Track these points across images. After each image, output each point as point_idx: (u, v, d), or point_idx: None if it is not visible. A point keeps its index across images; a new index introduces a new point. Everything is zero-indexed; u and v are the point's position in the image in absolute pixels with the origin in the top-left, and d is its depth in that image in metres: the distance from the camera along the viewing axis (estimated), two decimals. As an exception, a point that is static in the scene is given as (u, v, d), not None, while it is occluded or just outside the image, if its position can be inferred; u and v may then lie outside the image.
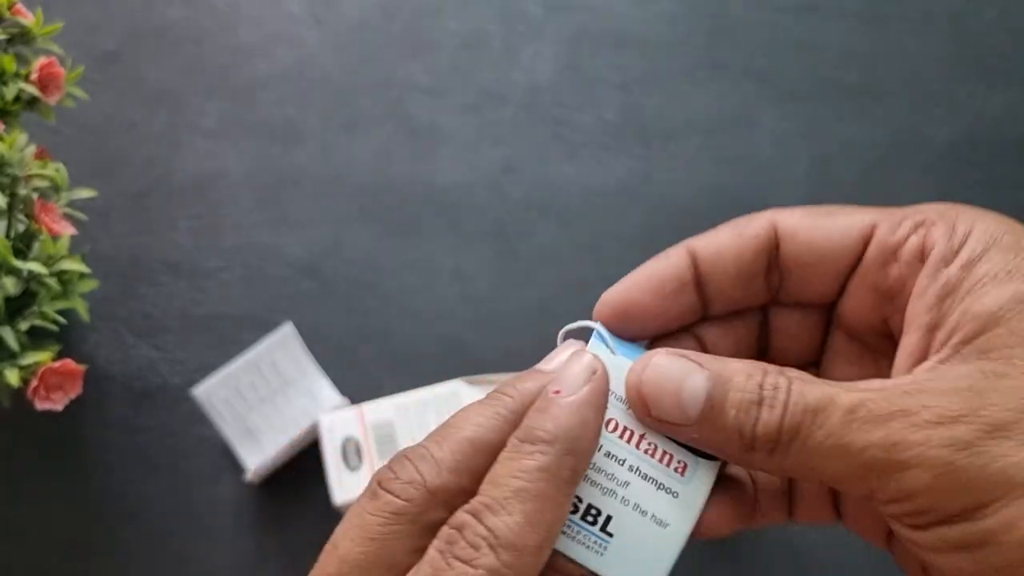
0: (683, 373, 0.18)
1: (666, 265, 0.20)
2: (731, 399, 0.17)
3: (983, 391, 0.15)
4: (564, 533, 0.18)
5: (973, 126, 0.53)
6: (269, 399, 0.43)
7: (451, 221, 0.50)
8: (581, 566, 0.18)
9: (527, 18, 0.56)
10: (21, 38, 0.42)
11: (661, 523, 0.19)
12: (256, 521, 0.43)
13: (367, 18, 0.56)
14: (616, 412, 0.19)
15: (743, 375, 0.17)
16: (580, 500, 0.19)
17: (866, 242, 0.19)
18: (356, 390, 0.45)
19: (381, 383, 0.46)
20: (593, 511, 0.19)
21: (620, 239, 0.50)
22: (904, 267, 0.18)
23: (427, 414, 0.40)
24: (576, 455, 0.17)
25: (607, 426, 0.19)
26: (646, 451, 0.19)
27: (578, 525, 0.19)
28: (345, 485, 0.39)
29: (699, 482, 0.19)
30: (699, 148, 0.52)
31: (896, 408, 0.16)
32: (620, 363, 0.20)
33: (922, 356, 0.17)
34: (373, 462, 0.39)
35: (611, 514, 0.19)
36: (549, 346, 0.51)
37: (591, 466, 0.19)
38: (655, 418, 0.18)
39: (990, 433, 0.15)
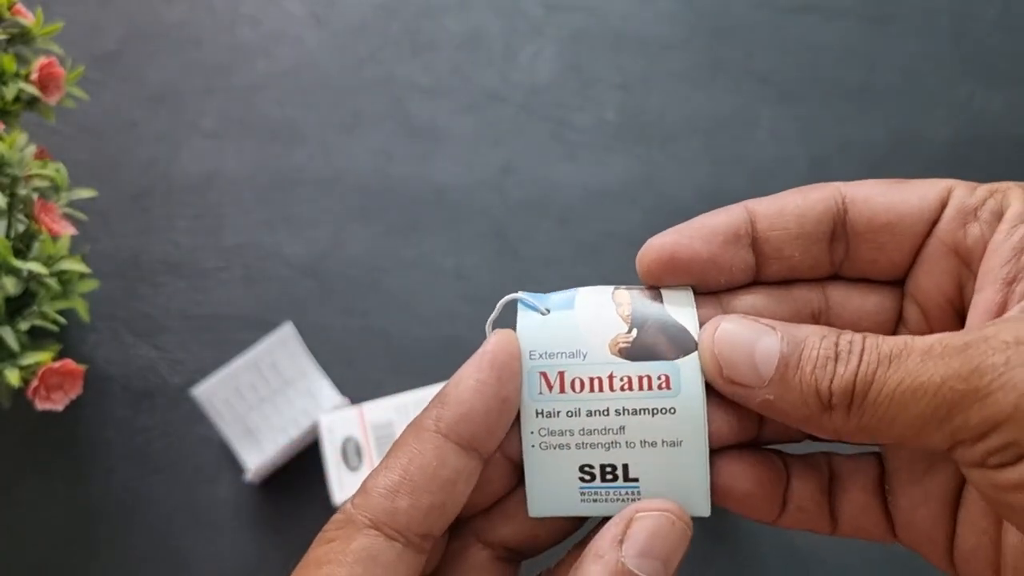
0: (756, 334, 0.17)
1: (723, 218, 0.19)
2: (806, 356, 0.17)
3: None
4: (595, 501, 0.18)
5: (973, 126, 0.53)
6: (269, 399, 0.43)
7: (451, 221, 0.50)
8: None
9: (527, 18, 0.56)
10: (21, 38, 0.42)
11: (675, 444, 0.18)
12: (256, 521, 0.43)
13: (367, 18, 0.56)
14: (574, 368, 0.19)
15: (818, 336, 0.17)
16: (591, 466, 0.18)
17: (943, 205, 0.18)
18: (356, 390, 0.45)
19: (381, 383, 0.46)
20: (608, 468, 0.18)
21: (620, 239, 0.50)
22: (984, 226, 0.17)
23: (427, 414, 0.40)
24: (445, 406, 0.17)
25: (572, 387, 0.18)
26: (622, 388, 0.18)
27: (603, 488, 0.18)
28: (345, 485, 0.39)
29: (689, 383, 0.18)
30: (699, 148, 0.52)
31: (974, 337, 0.15)
32: (560, 318, 0.19)
33: (999, 312, 0.16)
34: (373, 462, 0.39)
35: (625, 462, 0.18)
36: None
37: (581, 431, 0.18)
38: (727, 379, 0.17)
39: None
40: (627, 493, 0.18)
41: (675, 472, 0.18)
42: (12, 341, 0.36)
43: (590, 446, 0.18)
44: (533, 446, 0.18)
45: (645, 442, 0.18)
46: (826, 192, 0.19)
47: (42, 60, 0.41)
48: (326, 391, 0.44)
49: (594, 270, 0.49)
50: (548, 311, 0.20)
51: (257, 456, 0.42)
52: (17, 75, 0.40)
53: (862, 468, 0.19)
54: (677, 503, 0.17)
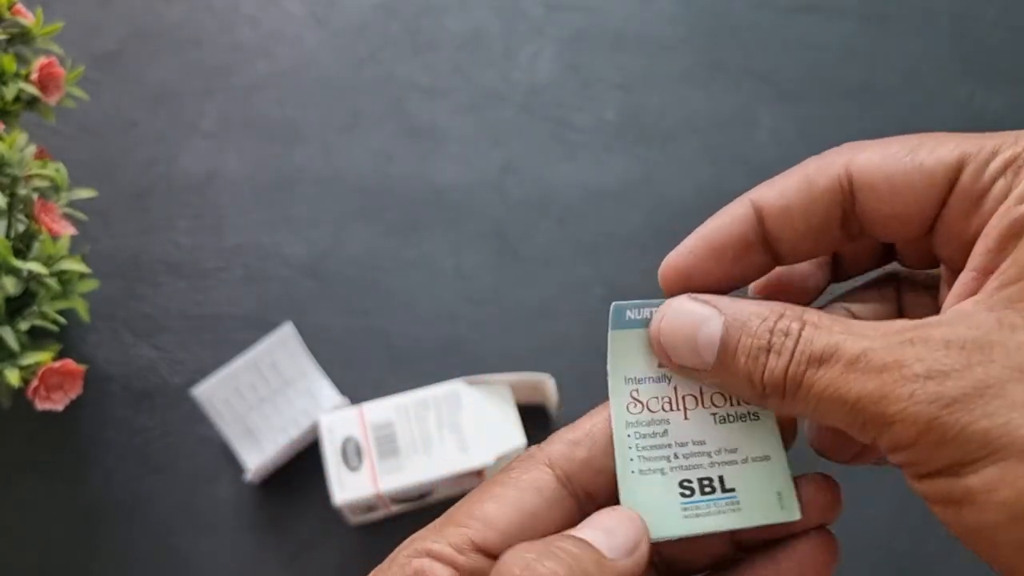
0: (700, 319, 0.18)
1: (729, 226, 0.19)
2: (742, 345, 0.17)
3: (988, 345, 0.15)
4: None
5: (973, 126, 0.53)
6: (269, 399, 0.43)
7: (451, 221, 0.50)
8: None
9: (527, 18, 0.56)
10: (21, 38, 0.42)
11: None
12: (256, 521, 0.43)
13: (367, 18, 0.56)
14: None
15: (757, 319, 0.17)
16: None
17: (952, 185, 0.17)
18: (356, 390, 0.45)
19: (381, 383, 0.46)
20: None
21: (620, 239, 0.50)
22: (987, 215, 0.17)
23: (427, 414, 0.40)
24: None
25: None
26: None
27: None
28: (345, 485, 0.39)
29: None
30: (699, 148, 0.52)
31: (892, 359, 0.15)
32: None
33: (969, 297, 0.16)
34: (373, 462, 0.39)
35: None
36: (549, 346, 0.51)
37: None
38: (676, 365, 0.18)
39: (980, 392, 0.14)
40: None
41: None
42: (12, 341, 0.36)
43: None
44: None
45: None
46: (832, 177, 0.18)
47: (42, 60, 0.41)
48: (326, 391, 0.44)
49: (594, 270, 0.49)
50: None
51: (257, 456, 0.42)
52: (17, 75, 0.40)
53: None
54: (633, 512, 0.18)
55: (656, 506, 0.18)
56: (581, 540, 0.17)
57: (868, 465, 0.20)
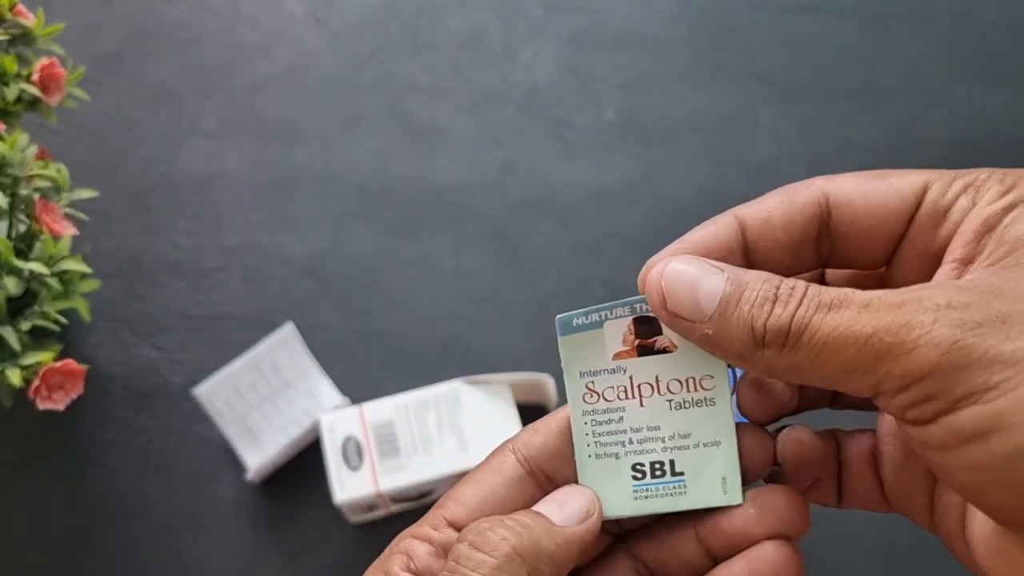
0: (702, 272, 0.18)
1: (714, 233, 0.20)
2: (746, 296, 0.17)
3: (998, 289, 0.15)
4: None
5: (973, 126, 0.53)
6: (270, 399, 0.44)
7: (451, 221, 0.50)
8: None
9: (527, 18, 0.56)
10: (22, 39, 0.42)
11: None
12: (256, 521, 0.43)
13: (367, 18, 0.56)
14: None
15: (760, 279, 0.18)
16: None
17: (918, 204, 0.19)
18: (356, 390, 0.45)
19: (381, 383, 0.46)
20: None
21: (620, 239, 0.50)
22: (953, 226, 0.18)
23: (427, 414, 0.41)
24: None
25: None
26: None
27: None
28: (346, 484, 0.39)
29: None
30: (698, 148, 0.52)
31: (909, 296, 0.16)
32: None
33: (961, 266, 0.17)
34: (373, 461, 0.40)
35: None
36: (548, 346, 0.51)
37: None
38: (670, 312, 0.19)
39: (1002, 319, 0.15)
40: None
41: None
42: (13, 341, 0.36)
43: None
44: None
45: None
46: (810, 194, 0.19)
47: (43, 61, 0.41)
48: (326, 391, 0.44)
49: (594, 270, 0.49)
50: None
51: (258, 456, 0.42)
52: (18, 76, 0.40)
53: (860, 440, 0.20)
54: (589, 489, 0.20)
55: (610, 488, 0.20)
56: (534, 512, 0.19)
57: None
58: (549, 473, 0.20)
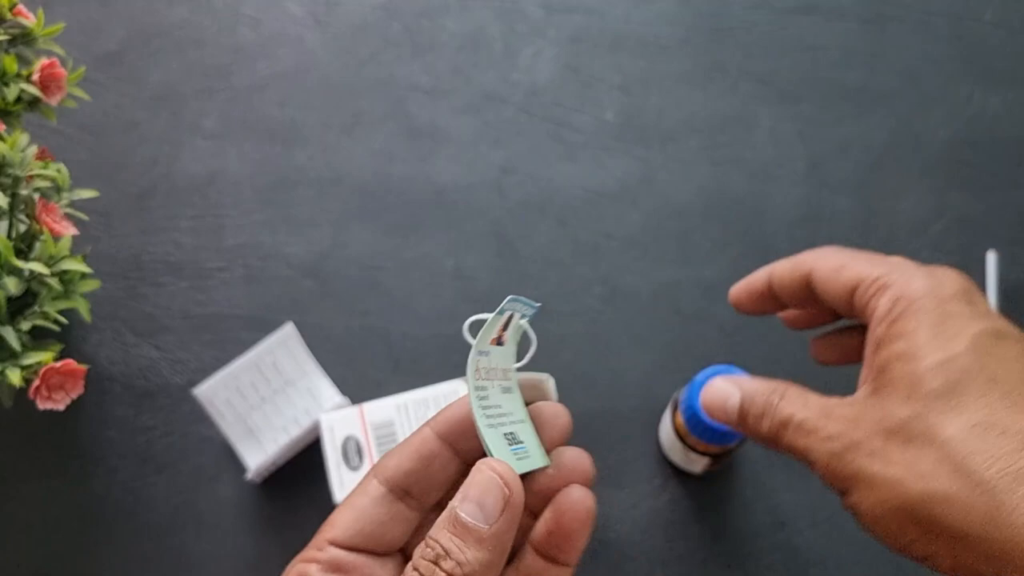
0: (727, 394, 0.29)
1: (754, 281, 0.31)
2: (751, 412, 0.28)
3: (857, 419, 0.25)
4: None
5: (971, 127, 0.53)
6: (270, 399, 0.44)
7: (451, 221, 0.50)
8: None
9: (527, 19, 0.56)
10: (23, 39, 0.42)
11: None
12: (256, 520, 0.43)
13: (367, 19, 0.56)
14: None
15: (761, 395, 0.28)
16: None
17: (852, 295, 0.28)
18: (356, 389, 0.45)
19: (381, 382, 0.46)
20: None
21: (619, 239, 0.50)
22: (865, 319, 0.27)
23: (427, 413, 0.41)
24: (437, 416, 0.25)
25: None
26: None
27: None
28: (346, 484, 0.39)
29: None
30: (698, 148, 0.53)
31: (812, 428, 0.26)
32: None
33: (867, 386, 0.26)
34: (373, 461, 0.40)
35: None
36: (548, 346, 0.51)
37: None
38: (716, 419, 0.30)
39: (850, 448, 0.25)
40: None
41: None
42: (14, 341, 0.36)
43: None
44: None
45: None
46: (802, 273, 0.29)
47: (44, 61, 0.41)
48: (327, 391, 0.44)
49: (593, 270, 0.49)
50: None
51: (258, 455, 0.42)
52: (19, 76, 0.40)
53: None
54: (503, 461, 0.22)
55: (504, 453, 0.23)
56: (459, 523, 0.22)
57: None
58: (406, 488, 0.24)
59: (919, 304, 0.25)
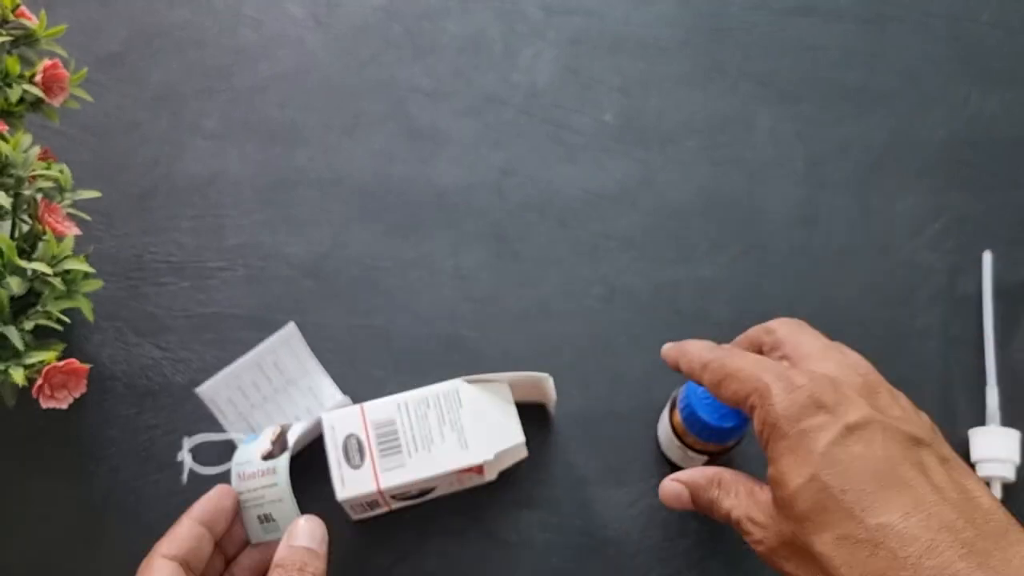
0: (676, 491, 0.36)
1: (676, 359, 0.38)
2: (703, 505, 0.35)
3: (768, 527, 0.31)
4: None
5: (969, 127, 0.54)
6: (272, 397, 0.44)
7: (451, 222, 0.51)
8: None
9: (527, 21, 0.57)
10: (25, 40, 0.42)
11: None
12: (258, 519, 0.44)
13: (368, 20, 0.57)
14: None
15: (702, 489, 0.34)
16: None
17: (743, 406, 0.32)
18: (357, 389, 0.45)
19: (382, 381, 0.46)
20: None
21: (619, 240, 0.50)
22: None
23: (428, 412, 0.41)
24: (193, 506, 0.39)
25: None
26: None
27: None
28: (347, 482, 0.39)
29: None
30: (697, 149, 0.53)
31: (746, 530, 0.32)
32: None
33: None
34: (374, 459, 0.40)
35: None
36: (547, 345, 0.51)
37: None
38: (673, 506, 0.36)
39: (774, 551, 0.31)
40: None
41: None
42: (17, 340, 0.36)
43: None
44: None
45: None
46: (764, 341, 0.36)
47: (46, 62, 0.41)
48: (328, 389, 0.45)
49: (593, 270, 0.49)
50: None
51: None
52: (21, 77, 0.41)
53: None
54: (311, 517, 0.38)
55: (256, 528, 0.40)
56: (310, 551, 0.36)
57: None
58: (188, 559, 0.35)
59: (776, 430, 0.29)
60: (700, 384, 0.34)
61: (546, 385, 0.43)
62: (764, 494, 0.31)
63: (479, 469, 0.40)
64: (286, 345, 0.44)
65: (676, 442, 0.41)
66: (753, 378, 0.30)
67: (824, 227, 0.51)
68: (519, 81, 0.55)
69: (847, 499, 0.26)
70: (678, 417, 0.40)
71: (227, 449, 0.44)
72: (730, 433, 0.38)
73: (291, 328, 0.44)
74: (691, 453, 0.41)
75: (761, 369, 0.31)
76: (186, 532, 0.36)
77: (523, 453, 0.42)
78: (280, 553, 0.35)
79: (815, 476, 0.27)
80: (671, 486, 0.35)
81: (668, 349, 0.37)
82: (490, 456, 0.40)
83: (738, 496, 0.32)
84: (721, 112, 0.54)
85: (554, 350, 0.47)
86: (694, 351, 0.35)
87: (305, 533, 0.36)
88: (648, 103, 0.54)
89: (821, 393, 0.29)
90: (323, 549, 0.36)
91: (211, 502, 0.37)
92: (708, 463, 0.42)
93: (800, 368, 0.31)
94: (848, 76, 0.55)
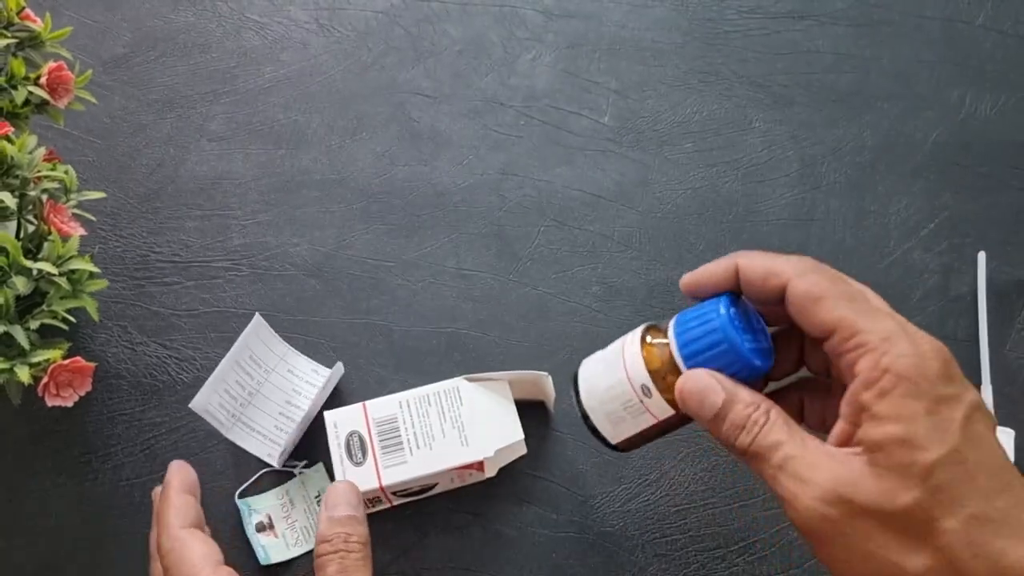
0: (709, 389, 0.29)
1: (715, 269, 0.32)
2: (729, 418, 0.29)
3: (853, 484, 0.26)
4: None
5: (963, 129, 0.54)
6: (257, 391, 0.44)
7: (452, 223, 0.51)
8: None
9: (526, 25, 0.57)
10: (30, 43, 0.42)
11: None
12: (261, 516, 0.44)
13: (371, 24, 0.57)
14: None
15: (743, 404, 0.29)
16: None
17: (827, 336, 0.28)
18: (360, 387, 0.46)
19: (384, 380, 0.47)
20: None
21: (617, 240, 0.51)
22: (843, 368, 0.28)
23: (429, 410, 0.41)
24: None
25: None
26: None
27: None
28: (349, 479, 0.40)
29: None
30: (693, 152, 0.54)
31: (803, 477, 0.27)
32: None
33: (844, 443, 0.27)
34: (376, 456, 0.40)
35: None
36: (546, 344, 0.52)
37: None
38: (684, 409, 0.30)
39: (845, 519, 0.26)
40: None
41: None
42: (23, 339, 0.37)
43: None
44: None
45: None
46: (777, 281, 0.29)
47: (51, 64, 0.41)
48: (306, 365, 0.45)
49: (591, 270, 0.50)
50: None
51: (269, 447, 0.43)
52: (27, 79, 0.41)
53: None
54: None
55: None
56: (352, 518, 0.36)
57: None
58: (198, 527, 0.37)
59: (911, 386, 0.26)
60: (763, 295, 0.29)
61: (545, 383, 0.43)
62: (831, 456, 0.27)
63: (479, 466, 0.41)
64: (256, 337, 0.44)
65: (640, 388, 0.32)
66: (867, 314, 0.27)
67: (819, 228, 0.51)
68: (518, 84, 0.55)
69: (981, 478, 0.25)
70: (656, 351, 0.32)
71: (232, 445, 0.45)
72: (755, 372, 0.30)
73: (257, 319, 0.44)
74: (660, 401, 0.32)
75: (876, 309, 0.27)
76: (183, 503, 0.36)
77: (522, 450, 0.42)
78: (323, 527, 0.35)
79: (957, 449, 0.25)
80: (707, 382, 0.29)
81: (710, 267, 0.31)
82: (490, 453, 0.40)
83: (794, 440, 0.27)
84: (717, 114, 0.55)
85: (553, 349, 0.48)
86: (763, 257, 0.30)
87: (343, 500, 0.36)
88: (645, 105, 0.55)
89: (951, 362, 0.26)
90: (361, 511, 0.36)
91: (184, 471, 0.38)
92: (656, 429, 0.33)
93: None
94: (842, 79, 0.56)
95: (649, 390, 0.31)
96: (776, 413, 0.28)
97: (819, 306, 0.28)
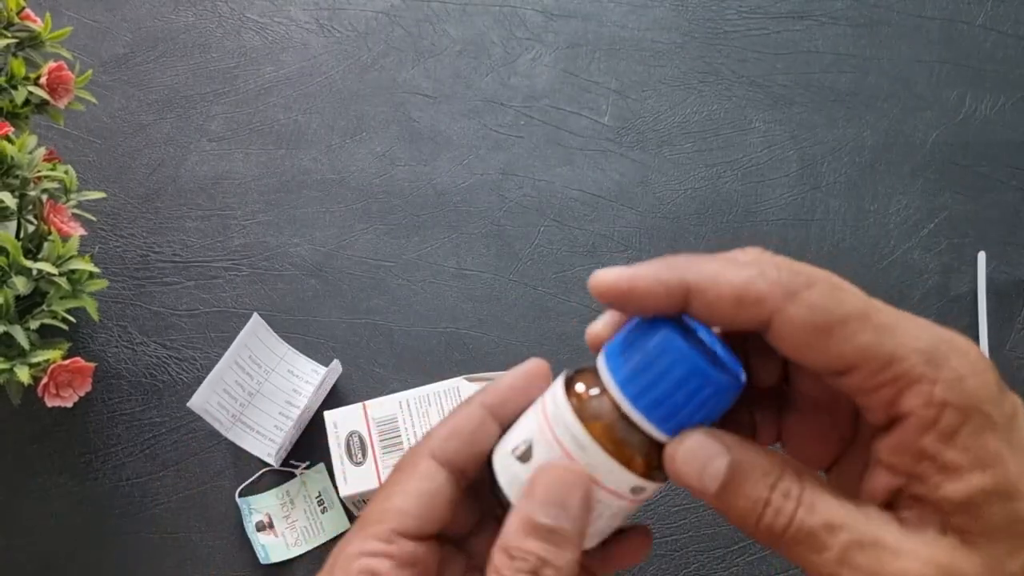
0: (709, 455, 0.20)
1: (653, 281, 0.21)
2: (746, 490, 0.20)
3: (951, 562, 0.19)
4: None
5: (962, 129, 0.54)
6: (258, 391, 0.44)
7: (452, 223, 0.51)
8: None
9: (526, 25, 0.57)
10: (30, 43, 0.43)
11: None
12: (261, 516, 0.44)
13: (371, 25, 0.57)
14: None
15: (760, 471, 0.20)
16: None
17: (847, 373, 0.20)
18: (360, 387, 0.46)
19: (384, 379, 0.47)
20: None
21: (616, 240, 0.51)
22: (874, 405, 0.20)
23: (429, 409, 0.41)
24: (488, 392, 0.23)
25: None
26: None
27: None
28: (350, 479, 0.40)
29: None
30: (692, 151, 0.54)
31: (881, 571, 0.19)
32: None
33: (886, 498, 0.20)
34: (376, 456, 0.40)
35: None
36: (546, 344, 0.52)
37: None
38: (683, 483, 0.21)
39: None
40: None
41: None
42: (22, 339, 0.37)
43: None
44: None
45: None
46: (757, 313, 0.20)
47: (51, 64, 0.41)
48: (306, 365, 0.45)
49: (590, 270, 0.50)
50: None
51: (270, 447, 0.43)
52: (27, 79, 0.41)
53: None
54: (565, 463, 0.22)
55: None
56: (554, 533, 0.21)
57: None
58: (463, 469, 0.22)
59: (982, 418, 0.19)
60: (732, 326, 0.20)
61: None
62: (909, 540, 0.19)
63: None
64: (255, 337, 0.44)
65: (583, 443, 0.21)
66: (892, 331, 0.19)
67: (818, 228, 0.51)
68: (518, 84, 0.55)
69: None
70: (617, 409, 0.21)
71: (231, 444, 0.45)
72: (736, 393, 0.21)
73: (256, 319, 0.44)
74: (625, 477, 0.21)
75: (896, 319, 0.19)
76: (467, 431, 0.23)
77: (523, 450, 0.42)
78: (511, 530, 0.21)
79: None
80: (703, 444, 0.20)
81: (651, 268, 0.20)
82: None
83: (845, 506, 0.19)
84: (717, 114, 0.55)
85: (553, 349, 0.48)
86: (722, 271, 0.20)
87: (557, 500, 0.21)
88: (645, 105, 0.55)
89: (995, 370, 0.20)
90: (580, 524, 0.21)
91: (505, 385, 0.23)
92: (640, 496, 0.23)
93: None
94: (841, 79, 0.56)
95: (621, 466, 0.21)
96: (808, 474, 0.20)
97: (831, 339, 0.19)
